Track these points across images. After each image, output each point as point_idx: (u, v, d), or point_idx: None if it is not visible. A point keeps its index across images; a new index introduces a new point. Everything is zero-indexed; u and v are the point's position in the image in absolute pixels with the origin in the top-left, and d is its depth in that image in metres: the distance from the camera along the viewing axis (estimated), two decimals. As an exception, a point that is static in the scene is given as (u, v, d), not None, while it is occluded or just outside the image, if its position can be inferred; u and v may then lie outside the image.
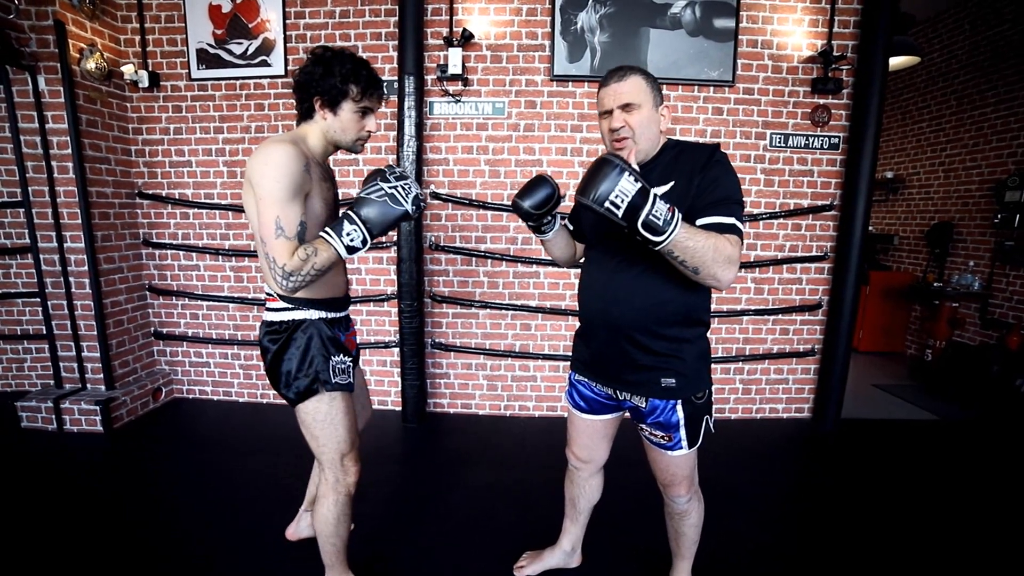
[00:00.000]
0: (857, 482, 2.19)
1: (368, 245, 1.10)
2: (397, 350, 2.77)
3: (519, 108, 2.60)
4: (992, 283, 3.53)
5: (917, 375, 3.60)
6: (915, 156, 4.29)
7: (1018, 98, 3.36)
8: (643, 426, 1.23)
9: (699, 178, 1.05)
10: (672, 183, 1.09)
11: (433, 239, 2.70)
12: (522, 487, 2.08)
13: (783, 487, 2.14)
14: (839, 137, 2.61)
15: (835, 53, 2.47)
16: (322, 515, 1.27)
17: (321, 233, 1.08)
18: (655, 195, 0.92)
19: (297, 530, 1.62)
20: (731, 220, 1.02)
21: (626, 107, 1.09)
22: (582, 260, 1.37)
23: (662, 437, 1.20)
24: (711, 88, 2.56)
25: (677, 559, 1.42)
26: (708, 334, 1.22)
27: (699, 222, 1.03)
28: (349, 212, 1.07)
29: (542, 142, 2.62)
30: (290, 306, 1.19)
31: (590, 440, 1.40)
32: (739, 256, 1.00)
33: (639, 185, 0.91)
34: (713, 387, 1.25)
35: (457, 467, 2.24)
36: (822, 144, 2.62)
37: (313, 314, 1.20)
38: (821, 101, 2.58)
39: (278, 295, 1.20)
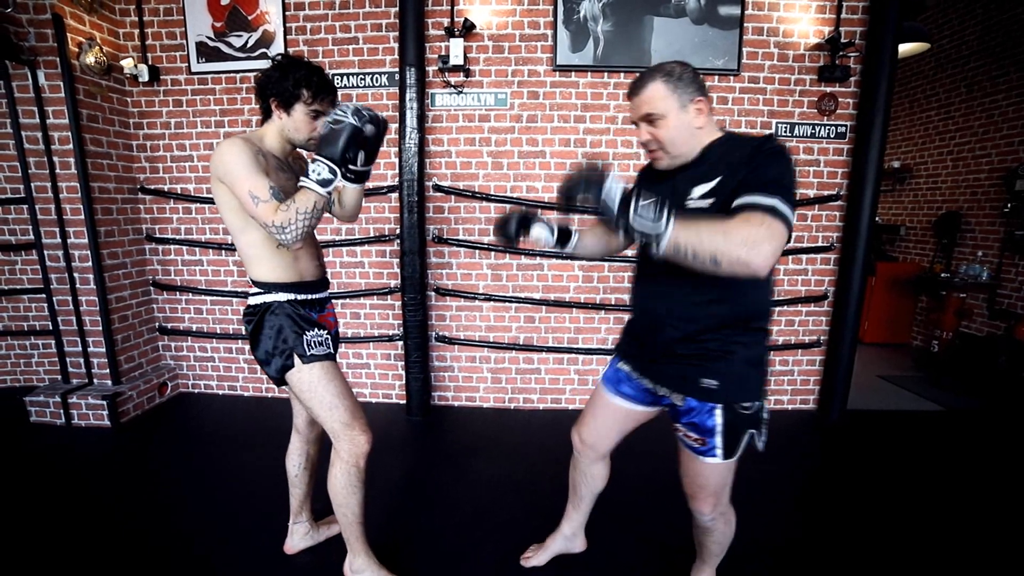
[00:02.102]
0: (863, 473, 2.19)
1: (339, 175, 1.15)
2: (401, 343, 2.77)
3: (522, 99, 2.57)
4: (1001, 273, 3.49)
5: (923, 366, 3.58)
6: (923, 145, 4.23)
7: (1030, 84, 3.30)
8: (677, 426, 1.17)
9: (745, 169, 0.98)
10: (719, 178, 1.01)
11: (436, 232, 2.69)
12: (527, 480, 2.08)
13: (788, 478, 2.14)
14: (846, 126, 2.57)
15: (843, 40, 2.42)
16: (331, 482, 1.34)
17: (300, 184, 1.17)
18: (638, 198, 0.93)
19: (293, 543, 1.62)
20: (765, 200, 0.91)
21: (648, 119, 1.05)
22: (624, 247, 1.41)
23: (695, 440, 1.13)
24: (716, 77, 2.52)
25: (699, 561, 1.42)
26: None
27: (736, 203, 0.96)
28: (314, 156, 1.16)
29: (545, 133, 2.60)
30: (261, 290, 1.30)
31: (602, 424, 1.37)
32: (769, 236, 0.89)
33: (621, 189, 0.93)
34: (767, 401, 1.14)
35: (462, 460, 2.25)
36: (829, 133, 2.58)
37: (282, 296, 1.30)
38: (828, 89, 2.54)
39: (252, 281, 1.31)
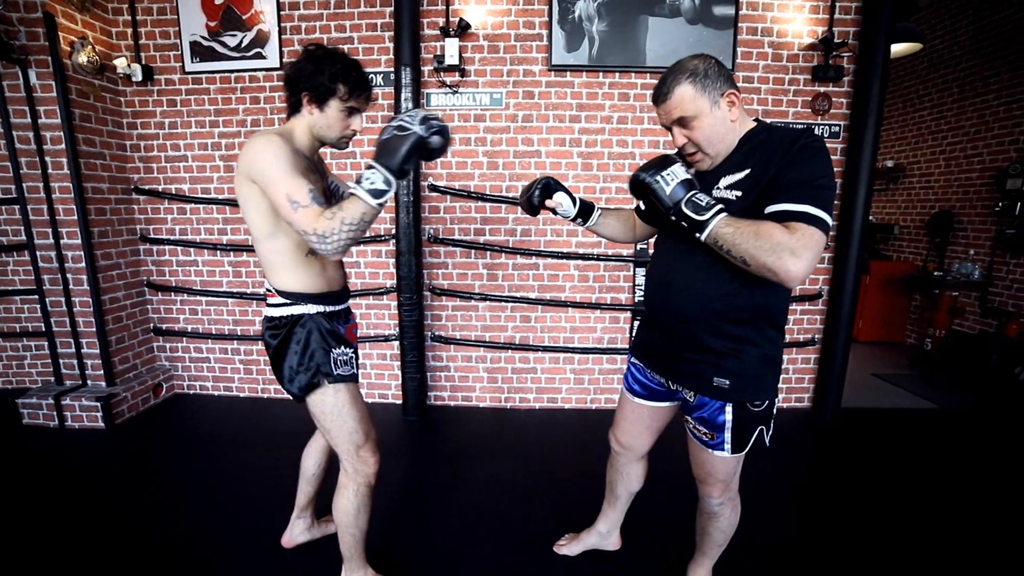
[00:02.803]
0: (857, 471, 2.20)
1: (394, 186, 1.06)
2: (397, 343, 2.77)
3: (517, 99, 2.57)
4: (992, 271, 3.52)
5: (917, 364, 3.60)
6: (916, 144, 4.26)
7: (1021, 84, 3.33)
8: (688, 419, 1.19)
9: (777, 165, 0.96)
10: (747, 171, 1.00)
11: (432, 232, 2.69)
12: (524, 479, 2.09)
13: (783, 476, 2.15)
14: (840, 125, 2.58)
15: (836, 40, 2.44)
16: (341, 505, 1.29)
17: (348, 191, 1.09)
18: (696, 185, 1.03)
19: (292, 537, 1.62)
20: (801, 207, 0.91)
21: (681, 123, 1.03)
22: (640, 239, 1.47)
23: (705, 434, 1.14)
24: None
25: (698, 553, 1.42)
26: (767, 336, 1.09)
27: (767, 210, 0.95)
28: (369, 162, 1.07)
29: (540, 133, 2.60)
30: (288, 301, 1.22)
31: (633, 426, 1.38)
32: (806, 245, 0.88)
33: (688, 176, 1.02)
34: (778, 398, 1.17)
35: (459, 460, 2.25)
36: (822, 133, 2.59)
37: (311, 308, 1.23)
38: (822, 89, 2.56)
39: (276, 291, 1.22)
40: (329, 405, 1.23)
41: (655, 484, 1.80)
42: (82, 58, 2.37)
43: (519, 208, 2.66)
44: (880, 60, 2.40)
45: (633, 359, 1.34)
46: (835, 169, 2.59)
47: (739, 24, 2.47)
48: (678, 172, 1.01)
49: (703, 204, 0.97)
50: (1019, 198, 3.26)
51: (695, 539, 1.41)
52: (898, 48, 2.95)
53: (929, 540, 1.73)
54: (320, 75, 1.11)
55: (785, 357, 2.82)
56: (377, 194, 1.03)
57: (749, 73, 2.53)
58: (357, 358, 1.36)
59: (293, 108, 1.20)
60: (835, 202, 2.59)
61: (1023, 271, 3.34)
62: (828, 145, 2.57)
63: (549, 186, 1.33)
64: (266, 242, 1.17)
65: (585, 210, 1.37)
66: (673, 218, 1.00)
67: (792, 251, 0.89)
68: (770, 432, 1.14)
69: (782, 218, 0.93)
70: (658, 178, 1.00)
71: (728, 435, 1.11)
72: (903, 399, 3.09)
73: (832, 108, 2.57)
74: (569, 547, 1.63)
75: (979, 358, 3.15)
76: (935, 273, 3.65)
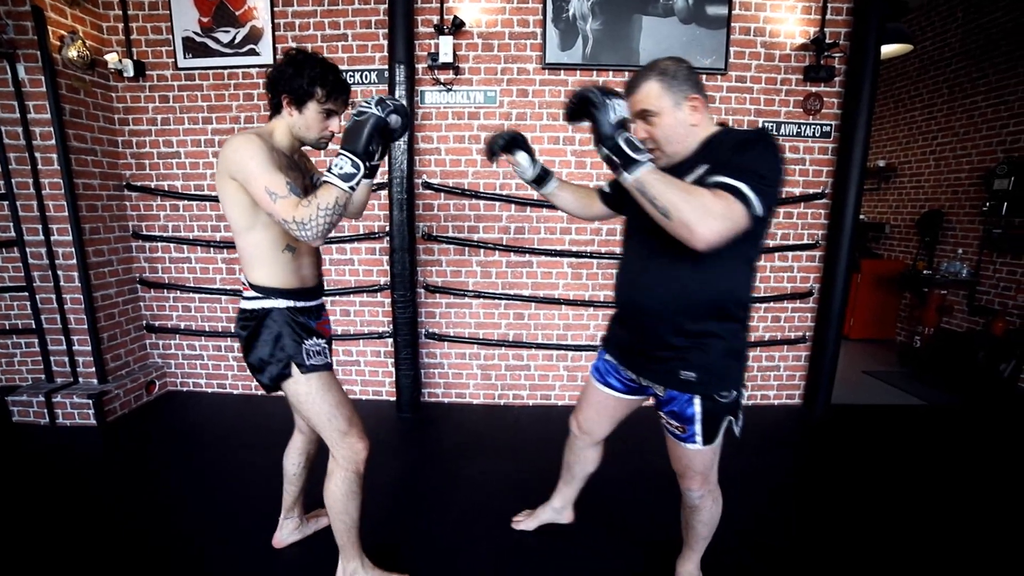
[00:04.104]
0: (846, 467, 2.23)
1: (363, 170, 1.10)
2: (391, 340, 2.77)
3: (511, 97, 2.57)
4: (980, 270, 3.57)
5: (906, 361, 3.65)
6: (907, 145, 4.31)
7: (1008, 87, 3.37)
8: (661, 414, 1.23)
9: (728, 153, 0.99)
10: (706, 166, 1.03)
11: (425, 229, 2.69)
12: (518, 475, 2.10)
13: (773, 471, 2.17)
14: (831, 125, 2.61)
15: (828, 40, 2.46)
16: (331, 491, 1.32)
17: (321, 179, 1.13)
18: (629, 128, 0.98)
19: (282, 538, 1.63)
20: (735, 182, 0.92)
21: (643, 116, 1.08)
22: (595, 217, 1.49)
23: (676, 427, 1.18)
24: (703, 76, 2.54)
25: (685, 548, 1.45)
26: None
27: (705, 181, 0.97)
28: (338, 149, 1.11)
29: (534, 131, 2.61)
30: (260, 295, 1.26)
31: (595, 413, 1.43)
32: (726, 214, 0.91)
33: (627, 116, 0.98)
34: (746, 390, 1.23)
35: (453, 457, 2.26)
36: (814, 132, 2.62)
37: (281, 303, 1.26)
38: (813, 89, 2.58)
39: (250, 284, 1.26)
40: (303, 394, 1.27)
41: (641, 482, 1.82)
42: (72, 52, 2.35)
43: (512, 206, 2.67)
44: (871, 61, 2.42)
45: (605, 355, 1.37)
46: (826, 168, 2.64)
47: (732, 24, 2.48)
48: (622, 107, 0.97)
49: (639, 145, 0.95)
50: (1006, 198, 3.31)
51: (681, 535, 1.44)
52: (889, 49, 2.98)
53: (918, 534, 1.76)
54: (299, 78, 1.16)
55: (776, 354, 2.86)
56: (347, 178, 1.09)
57: (742, 73, 2.55)
58: (330, 349, 1.39)
59: (275, 109, 1.24)
60: (825, 200, 2.66)
61: (1009, 270, 3.39)
62: (820, 144, 2.62)
63: (515, 140, 1.33)
64: (244, 235, 1.22)
65: (545, 176, 1.39)
66: (606, 149, 0.97)
67: (714, 215, 0.90)
68: (739, 423, 1.18)
69: (714, 187, 0.94)
70: (607, 102, 0.96)
71: (699, 427, 1.15)
72: (893, 396, 3.13)
73: (824, 108, 2.59)
74: (526, 523, 1.73)
75: (966, 355, 3.20)
76: (924, 272, 3.69)
